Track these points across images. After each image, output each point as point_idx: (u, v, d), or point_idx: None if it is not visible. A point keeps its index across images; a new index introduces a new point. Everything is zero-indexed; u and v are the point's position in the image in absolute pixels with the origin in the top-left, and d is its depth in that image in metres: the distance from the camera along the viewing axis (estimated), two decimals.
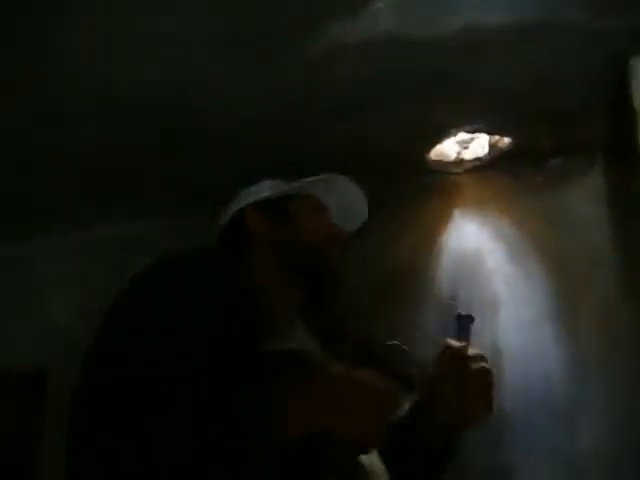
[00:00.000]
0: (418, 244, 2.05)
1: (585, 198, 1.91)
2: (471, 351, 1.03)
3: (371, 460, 0.93)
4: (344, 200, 1.19)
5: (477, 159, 1.99)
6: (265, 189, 1.18)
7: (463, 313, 1.08)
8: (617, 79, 1.53)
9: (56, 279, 2.28)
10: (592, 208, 1.89)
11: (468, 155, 1.99)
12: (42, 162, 1.87)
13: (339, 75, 1.58)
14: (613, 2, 1.38)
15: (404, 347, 1.12)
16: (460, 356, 1.02)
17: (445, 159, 2.01)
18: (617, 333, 1.80)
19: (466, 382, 1.01)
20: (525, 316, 1.91)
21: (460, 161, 2.01)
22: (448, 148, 1.98)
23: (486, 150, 1.95)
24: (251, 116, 1.72)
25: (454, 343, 1.04)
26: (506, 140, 1.90)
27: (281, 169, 1.27)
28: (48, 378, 2.11)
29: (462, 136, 1.91)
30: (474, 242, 2.00)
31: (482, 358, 1.03)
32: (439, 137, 1.88)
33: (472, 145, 1.97)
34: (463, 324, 1.07)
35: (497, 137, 1.90)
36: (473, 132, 1.86)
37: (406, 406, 1.06)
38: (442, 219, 2.05)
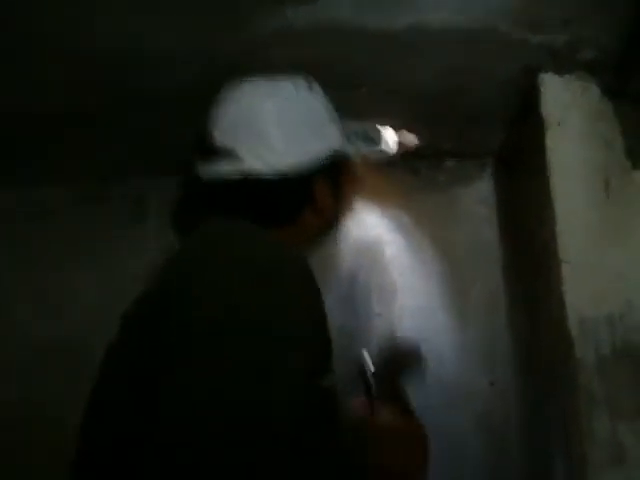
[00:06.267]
0: None
1: (476, 198, 2.10)
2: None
3: None
4: None
5: (381, 153, 2.09)
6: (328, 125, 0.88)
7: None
8: (526, 91, 1.70)
9: None
10: (482, 208, 2.08)
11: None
12: None
13: (273, 58, 1.59)
14: (533, 20, 1.54)
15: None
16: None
17: None
18: (500, 321, 2.00)
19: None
20: (419, 303, 2.05)
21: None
22: None
23: (391, 146, 2.06)
24: (171, 85, 1.67)
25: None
26: (411, 138, 2.02)
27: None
28: None
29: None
30: (374, 232, 2.11)
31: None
32: None
33: None
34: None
35: (404, 134, 2.01)
36: (382, 127, 1.96)
37: None
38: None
